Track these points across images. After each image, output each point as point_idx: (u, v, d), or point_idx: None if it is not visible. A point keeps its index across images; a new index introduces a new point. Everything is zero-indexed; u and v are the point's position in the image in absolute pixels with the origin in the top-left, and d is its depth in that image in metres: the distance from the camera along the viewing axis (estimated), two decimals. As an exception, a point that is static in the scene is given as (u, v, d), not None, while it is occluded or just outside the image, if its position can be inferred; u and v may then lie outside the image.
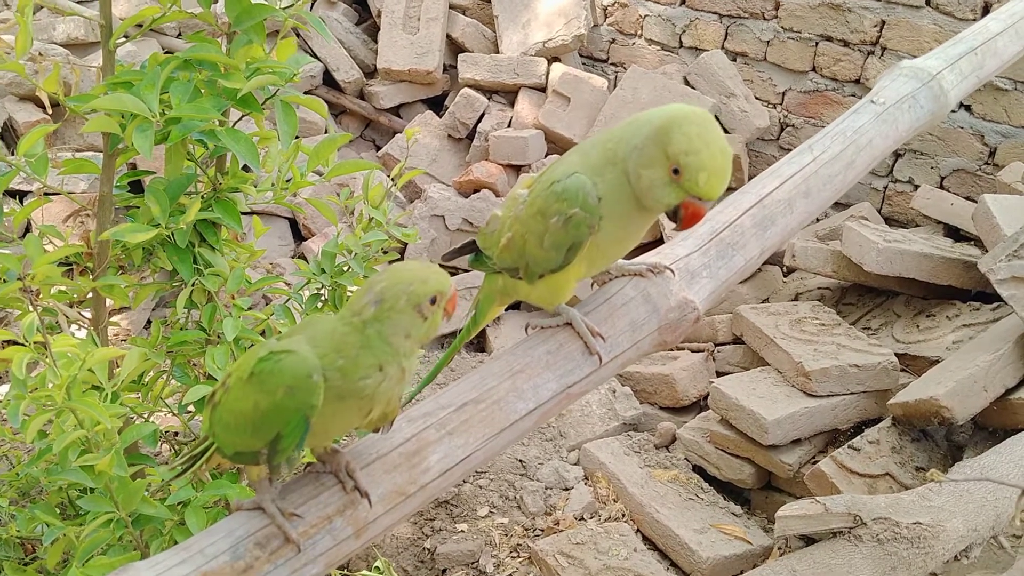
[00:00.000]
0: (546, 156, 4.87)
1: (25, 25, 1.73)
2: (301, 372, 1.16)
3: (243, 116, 2.04)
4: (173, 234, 2.01)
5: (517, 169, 4.76)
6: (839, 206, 4.96)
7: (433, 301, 1.21)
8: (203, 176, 2.10)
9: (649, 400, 4.01)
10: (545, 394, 1.34)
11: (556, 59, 5.22)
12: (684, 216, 1.37)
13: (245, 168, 2.25)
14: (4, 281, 1.88)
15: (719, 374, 4.02)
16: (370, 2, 5.52)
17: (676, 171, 1.33)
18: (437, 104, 5.48)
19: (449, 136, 5.11)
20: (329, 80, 5.34)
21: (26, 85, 4.04)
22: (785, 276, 4.62)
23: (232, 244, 2.22)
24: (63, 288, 2.09)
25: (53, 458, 1.83)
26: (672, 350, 4.36)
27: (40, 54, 2.77)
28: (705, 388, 3.92)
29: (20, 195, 3.91)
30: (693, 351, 4.23)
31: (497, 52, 5.32)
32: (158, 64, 1.85)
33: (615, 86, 5.19)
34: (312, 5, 5.54)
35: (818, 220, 5.00)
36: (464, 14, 5.48)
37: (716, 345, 4.22)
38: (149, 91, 1.74)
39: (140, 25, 1.93)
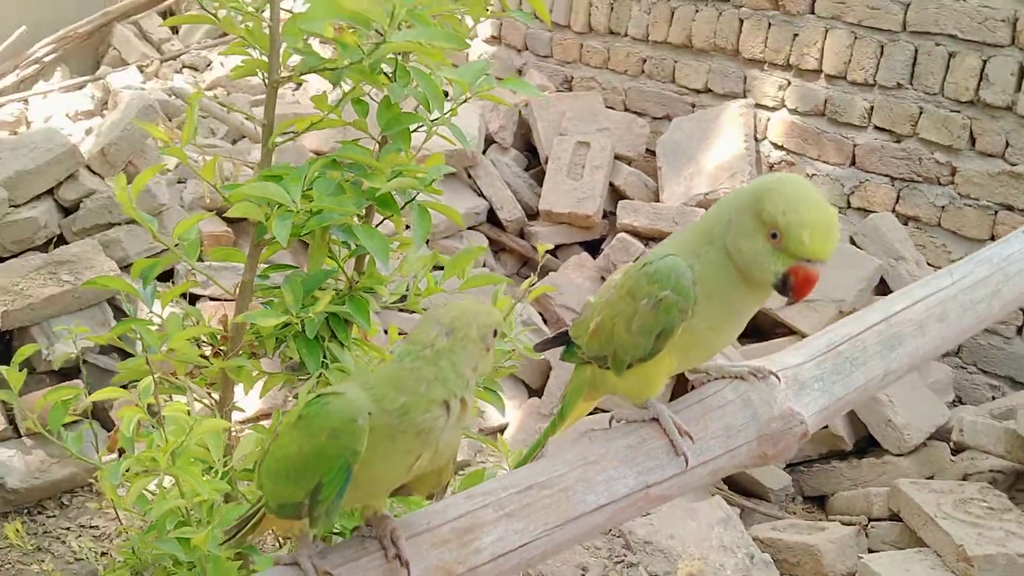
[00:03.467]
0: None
1: (191, 117, 1.89)
2: (346, 415, 1.13)
3: (384, 219, 2.11)
4: (304, 326, 2.07)
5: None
6: (1016, 385, 4.57)
7: (495, 333, 1.22)
8: (342, 276, 2.17)
9: (791, 572, 3.70)
10: (620, 490, 1.23)
11: (717, 212, 5.20)
12: (795, 283, 1.25)
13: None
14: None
15: (870, 551, 3.68)
16: (540, 150, 5.74)
17: (775, 235, 1.24)
18: (594, 247, 5.54)
19: (602, 278, 5.13)
20: (493, 218, 5.53)
21: (215, 199, 4.38)
22: (953, 455, 4.24)
23: (362, 343, 2.26)
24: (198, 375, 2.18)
25: (162, 533, 1.85)
26: (820, 520, 4.05)
27: (210, 146, 3.01)
28: (854, 565, 3.59)
29: (193, 299, 4.18)
30: (843, 523, 3.91)
31: (658, 201, 5.37)
32: (309, 163, 1.96)
33: (777, 242, 5.08)
34: (485, 149, 5.82)
35: (994, 398, 4.62)
36: (629, 164, 5.59)
37: (870, 520, 3.89)
38: (294, 183, 1.84)
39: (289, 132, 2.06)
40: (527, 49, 6.45)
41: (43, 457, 3.78)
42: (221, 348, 2.11)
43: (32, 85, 6.95)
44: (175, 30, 7.85)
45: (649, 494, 1.25)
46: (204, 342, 2.11)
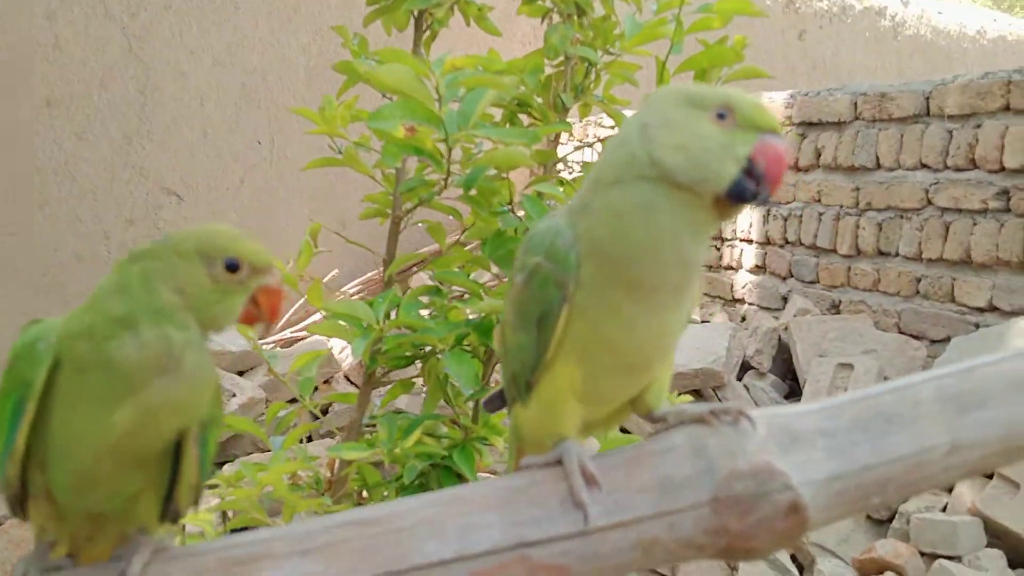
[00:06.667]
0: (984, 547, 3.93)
1: (307, 249, 1.91)
2: (29, 338, 0.89)
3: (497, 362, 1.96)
4: (404, 474, 1.91)
5: (933, 558, 3.88)
6: None
7: (234, 268, 0.88)
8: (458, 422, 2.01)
9: None
10: (479, 543, 0.83)
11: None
12: (767, 163, 0.91)
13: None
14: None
15: None
16: (798, 373, 5.30)
17: (722, 115, 0.92)
18: (861, 483, 4.86)
19: (868, 517, 4.42)
20: (743, 445, 5.09)
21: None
22: None
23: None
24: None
25: None
26: None
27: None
28: None
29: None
30: None
31: (935, 430, 4.66)
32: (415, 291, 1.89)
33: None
34: (742, 375, 5.48)
35: None
36: (904, 392, 4.98)
37: None
38: (381, 305, 1.77)
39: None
40: (792, 276, 6.17)
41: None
42: (322, 493, 2.00)
43: (336, 320, 7.79)
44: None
45: (527, 557, 0.82)
46: (306, 484, 2.01)
